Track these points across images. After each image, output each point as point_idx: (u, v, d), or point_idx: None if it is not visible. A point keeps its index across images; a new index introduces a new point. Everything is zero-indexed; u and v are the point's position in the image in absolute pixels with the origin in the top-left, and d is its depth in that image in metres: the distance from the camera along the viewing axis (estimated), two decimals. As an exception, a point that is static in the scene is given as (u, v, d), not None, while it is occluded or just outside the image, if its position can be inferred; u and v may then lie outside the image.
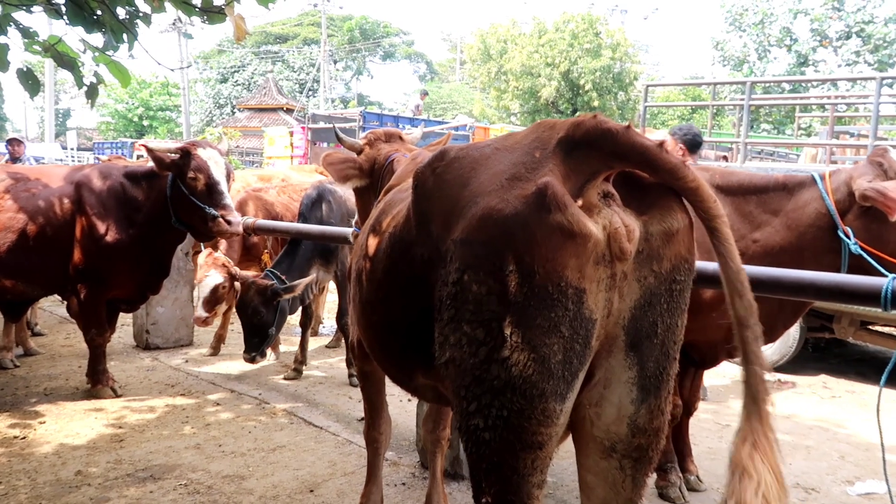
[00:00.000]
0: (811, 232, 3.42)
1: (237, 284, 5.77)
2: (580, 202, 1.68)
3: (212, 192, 4.95)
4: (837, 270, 3.36)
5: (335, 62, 54.99)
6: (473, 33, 37.91)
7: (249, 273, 5.91)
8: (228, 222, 4.94)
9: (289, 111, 41.05)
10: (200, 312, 5.95)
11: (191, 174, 4.91)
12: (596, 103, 32.52)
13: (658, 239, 1.74)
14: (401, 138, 3.87)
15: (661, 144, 1.67)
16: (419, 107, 22.46)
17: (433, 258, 1.91)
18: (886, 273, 3.12)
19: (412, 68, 64.33)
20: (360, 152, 3.73)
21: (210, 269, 5.94)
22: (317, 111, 27.62)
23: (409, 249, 2.09)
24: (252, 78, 50.18)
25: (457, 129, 17.43)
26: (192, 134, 38.95)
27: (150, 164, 5.07)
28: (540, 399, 1.65)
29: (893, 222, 3.23)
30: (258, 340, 5.56)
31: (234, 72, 51.31)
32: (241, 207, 6.65)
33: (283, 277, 5.65)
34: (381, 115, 18.10)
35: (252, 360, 5.61)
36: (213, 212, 4.91)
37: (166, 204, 5.07)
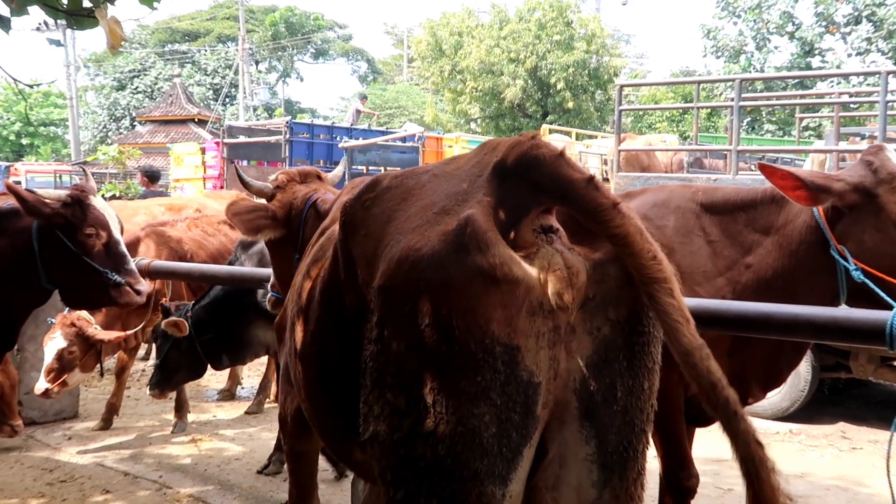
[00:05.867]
0: (802, 250, 3.45)
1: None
2: (512, 240, 1.69)
3: (113, 254, 4.67)
4: (836, 296, 3.40)
5: (256, 63, 54.93)
6: (422, 25, 38.36)
7: (113, 333, 5.94)
8: (137, 292, 4.75)
9: (201, 123, 40.74)
10: (40, 384, 5.74)
11: (88, 230, 4.56)
12: (570, 105, 33.06)
13: (614, 280, 1.74)
14: (319, 177, 3.93)
15: (591, 179, 1.68)
16: (359, 113, 22.50)
17: (361, 308, 1.93)
18: (892, 301, 3.17)
19: (350, 68, 64.73)
20: (271, 198, 3.76)
21: (56, 330, 5.79)
22: (235, 122, 27.53)
23: (340, 297, 2.11)
24: (156, 84, 49.78)
25: (404, 139, 17.50)
26: (81, 153, 38.40)
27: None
28: (474, 482, 1.63)
29: (882, 229, 3.27)
30: (155, 369, 5.98)
31: (134, 77, 50.88)
32: (136, 246, 6.54)
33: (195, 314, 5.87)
34: (311, 126, 18.05)
35: (150, 391, 6.03)
36: (118, 278, 4.65)
37: (28, 260, 4.61)
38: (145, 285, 4.78)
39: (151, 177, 13.64)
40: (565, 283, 1.67)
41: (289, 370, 2.89)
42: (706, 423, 4.13)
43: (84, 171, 5.64)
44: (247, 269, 5.66)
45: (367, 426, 1.80)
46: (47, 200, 4.51)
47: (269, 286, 4.06)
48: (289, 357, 2.71)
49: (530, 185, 1.74)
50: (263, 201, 3.92)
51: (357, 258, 1.97)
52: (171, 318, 5.73)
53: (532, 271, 1.66)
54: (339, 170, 4.39)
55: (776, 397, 7.11)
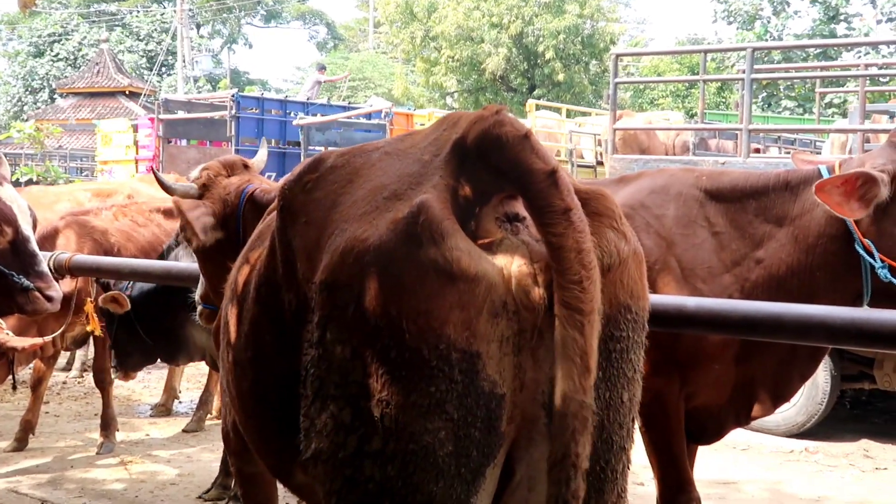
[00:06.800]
0: (821, 244, 3.48)
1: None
2: (473, 230, 1.70)
3: (21, 253, 4.64)
4: (859, 296, 3.44)
5: (198, 26, 54.56)
6: (391, -16, 38.27)
7: (27, 340, 5.86)
8: (48, 298, 4.71)
9: (133, 96, 40.48)
10: None
11: None
12: (560, 77, 33.16)
13: None
14: (245, 166, 3.92)
15: (553, 173, 1.68)
16: (320, 84, 22.41)
17: (301, 307, 1.94)
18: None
19: (307, 33, 64.54)
20: (200, 198, 3.74)
21: None
22: (172, 96, 27.31)
23: (277, 294, 2.11)
24: (79, 50, 49.33)
25: (369, 116, 17.46)
26: (-8, 131, 37.99)
27: None
28: (428, 507, 1.65)
29: None
30: (112, 350, 6.33)
31: (54, 41, 50.38)
32: (55, 238, 6.50)
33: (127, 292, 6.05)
34: (261, 100, 17.96)
35: (114, 374, 6.52)
36: (26, 282, 4.61)
37: None
38: (58, 290, 4.74)
39: None
40: (532, 279, 1.68)
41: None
42: (710, 439, 4.17)
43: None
44: (185, 265, 5.63)
45: (308, 443, 1.81)
46: None
47: (196, 297, 4.02)
48: (221, 363, 2.70)
49: (492, 168, 1.75)
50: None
51: (297, 249, 1.97)
52: (109, 292, 5.87)
53: (494, 266, 1.67)
54: (261, 154, 4.37)
55: (791, 411, 7.18)
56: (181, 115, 17.22)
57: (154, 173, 4.23)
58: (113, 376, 6.54)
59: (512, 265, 1.68)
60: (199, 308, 4.01)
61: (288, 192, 2.08)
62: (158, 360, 6.67)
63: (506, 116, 1.77)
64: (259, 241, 2.55)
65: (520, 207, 1.77)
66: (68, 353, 9.47)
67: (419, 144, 1.92)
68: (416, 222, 1.64)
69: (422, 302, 1.63)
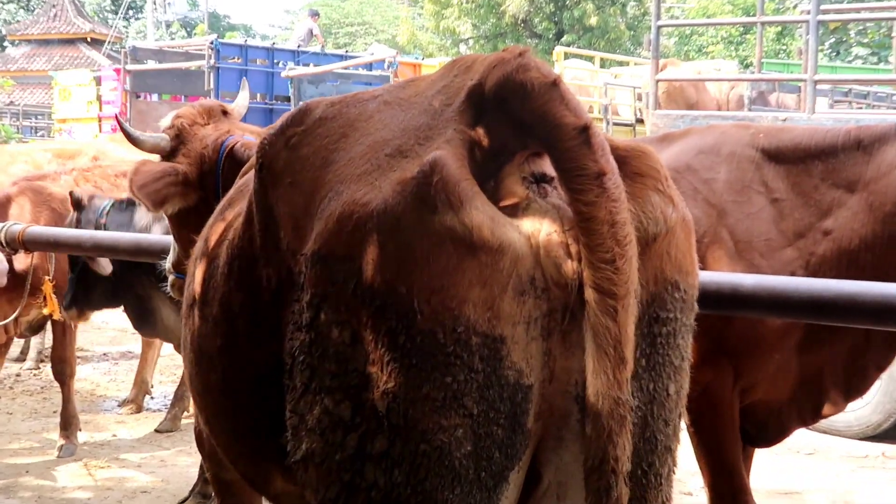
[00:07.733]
0: None
1: None
2: (493, 191, 1.68)
3: None
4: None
5: (171, -38, 54.48)
6: (395, -88, 38.16)
7: None
8: None
9: (95, 43, 40.54)
10: None
11: None
12: (592, 21, 32.98)
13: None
14: (225, 113, 3.89)
15: (586, 129, 1.63)
16: (311, 32, 22.38)
17: (285, 284, 1.92)
18: None
19: (298, -30, 64.27)
20: (172, 153, 3.73)
21: None
22: (141, 43, 27.34)
23: (253, 268, 2.10)
24: (34, -9, 49.43)
25: (370, 66, 17.44)
26: (-66, 84, 38.10)
27: None
28: (441, 518, 1.65)
29: None
30: (69, 282, 6.31)
31: (4, -19, 50.51)
32: (7, 207, 6.51)
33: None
34: (244, 47, 17.95)
35: (66, 310, 6.26)
36: None
37: None
38: (3, 262, 4.76)
39: None
40: (564, 249, 1.66)
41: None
42: (769, 441, 4.17)
43: None
44: (156, 237, 5.65)
45: (297, 443, 1.80)
46: None
47: (167, 264, 4.00)
48: (183, 351, 2.70)
49: (514, 120, 1.72)
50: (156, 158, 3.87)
51: (280, 216, 1.96)
52: None
53: (521, 234, 1.64)
54: (242, 98, 4.34)
55: (865, 409, 7.14)
56: (151, 65, 17.27)
57: (118, 122, 4.22)
58: (64, 314, 6.31)
59: (541, 233, 1.65)
60: (171, 278, 4.00)
61: (268, 148, 2.06)
62: (119, 307, 6.70)
63: (531, 60, 1.73)
64: (229, 207, 2.55)
65: (548, 167, 1.74)
66: (22, 341, 9.52)
67: (425, 93, 1.90)
68: (428, 183, 1.61)
69: (436, 277, 1.61)
